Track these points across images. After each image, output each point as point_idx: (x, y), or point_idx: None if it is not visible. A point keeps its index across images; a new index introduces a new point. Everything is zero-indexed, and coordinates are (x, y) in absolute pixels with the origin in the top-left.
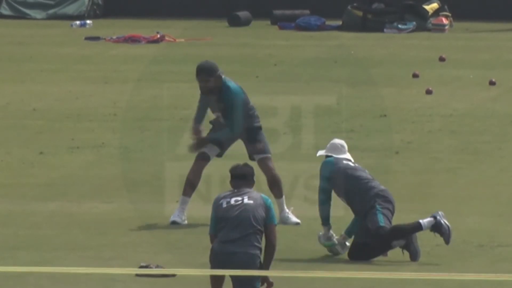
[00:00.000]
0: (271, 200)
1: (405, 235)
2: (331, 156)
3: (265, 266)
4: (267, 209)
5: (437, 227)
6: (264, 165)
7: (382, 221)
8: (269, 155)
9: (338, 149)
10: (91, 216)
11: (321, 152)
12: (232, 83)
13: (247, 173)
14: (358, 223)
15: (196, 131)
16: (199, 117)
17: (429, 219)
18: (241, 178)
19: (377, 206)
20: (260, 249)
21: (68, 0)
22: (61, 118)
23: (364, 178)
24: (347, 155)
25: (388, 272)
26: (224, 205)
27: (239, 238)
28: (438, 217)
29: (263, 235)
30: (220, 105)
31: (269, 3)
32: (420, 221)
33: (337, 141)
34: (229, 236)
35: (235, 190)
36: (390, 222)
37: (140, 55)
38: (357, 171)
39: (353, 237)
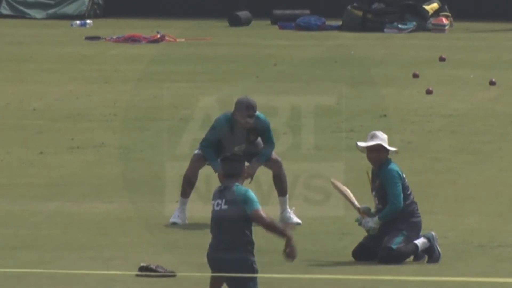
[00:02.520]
0: (246, 190)
1: (405, 259)
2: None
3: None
4: (244, 202)
5: (429, 251)
6: (270, 160)
7: (396, 245)
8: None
9: (386, 142)
10: (91, 216)
11: (368, 142)
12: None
13: (237, 169)
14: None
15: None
16: (213, 155)
17: (424, 240)
18: (230, 175)
19: (404, 231)
20: (250, 246)
21: None
22: (61, 118)
23: (413, 202)
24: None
25: (389, 273)
26: (214, 207)
27: (224, 244)
28: (432, 241)
29: (251, 228)
30: (250, 137)
31: (269, 3)
32: (416, 242)
33: (383, 134)
34: (215, 241)
35: (222, 188)
36: (404, 246)
37: (140, 55)
38: (409, 191)
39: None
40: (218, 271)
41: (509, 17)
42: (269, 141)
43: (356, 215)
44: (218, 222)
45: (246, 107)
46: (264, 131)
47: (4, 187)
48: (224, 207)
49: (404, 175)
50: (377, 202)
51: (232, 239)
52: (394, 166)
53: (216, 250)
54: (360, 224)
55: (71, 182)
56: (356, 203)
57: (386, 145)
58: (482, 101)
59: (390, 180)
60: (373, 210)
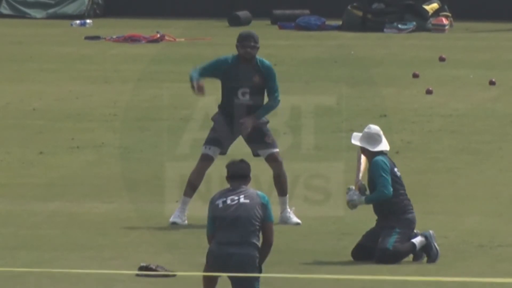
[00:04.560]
0: (268, 198)
1: (402, 257)
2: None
3: (259, 261)
4: (264, 207)
5: (427, 249)
6: (274, 160)
7: (391, 244)
8: (278, 150)
9: (374, 139)
10: (91, 216)
11: (355, 141)
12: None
13: (244, 170)
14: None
15: (199, 87)
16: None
17: (421, 239)
18: (238, 176)
19: (397, 229)
20: (258, 248)
21: None
22: (61, 118)
23: (405, 198)
24: (384, 145)
25: (389, 273)
26: (221, 205)
27: (236, 239)
28: (429, 239)
29: (260, 233)
30: (255, 79)
31: (269, 3)
32: (414, 241)
33: (373, 129)
34: (226, 237)
35: (231, 188)
36: (400, 244)
37: (140, 55)
38: (401, 186)
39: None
40: (224, 267)
41: (509, 17)
42: (273, 93)
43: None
44: (236, 216)
45: (247, 36)
46: (269, 76)
47: (4, 187)
48: (245, 201)
49: (396, 169)
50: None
51: (246, 234)
52: (380, 157)
53: (228, 244)
54: (347, 192)
55: (71, 182)
56: (360, 175)
57: (367, 147)
58: (482, 101)
59: (377, 171)
60: (367, 192)
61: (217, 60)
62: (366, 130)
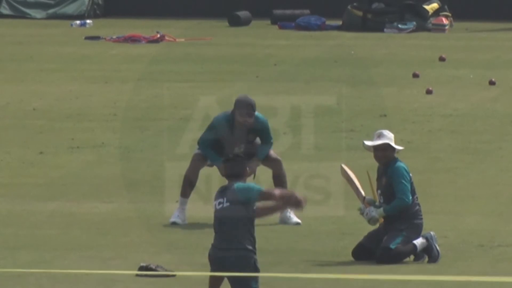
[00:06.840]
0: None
1: (403, 258)
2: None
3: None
4: (247, 193)
5: (428, 250)
6: (274, 158)
7: (395, 244)
8: (272, 151)
9: (392, 140)
10: (91, 216)
11: (375, 141)
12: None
13: (238, 169)
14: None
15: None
16: (213, 153)
17: (422, 240)
18: (232, 175)
19: (404, 232)
20: (252, 244)
21: None
22: (61, 118)
23: (417, 204)
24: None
25: (389, 272)
26: (217, 206)
27: (223, 245)
28: (430, 241)
29: (253, 226)
30: (250, 137)
31: (269, 3)
32: (415, 242)
33: (390, 133)
34: (217, 241)
35: (224, 187)
36: (402, 245)
37: (140, 55)
38: (414, 193)
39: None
40: (220, 269)
41: (509, 17)
42: (268, 140)
43: (359, 204)
44: (221, 221)
45: (245, 105)
46: (263, 130)
47: (4, 187)
48: (226, 205)
49: (411, 175)
50: (382, 200)
51: (235, 237)
52: (402, 164)
53: (219, 249)
54: (362, 213)
55: (71, 182)
56: (362, 192)
57: (393, 144)
58: (482, 101)
59: (398, 177)
60: (377, 203)
61: (214, 130)
62: (383, 131)
